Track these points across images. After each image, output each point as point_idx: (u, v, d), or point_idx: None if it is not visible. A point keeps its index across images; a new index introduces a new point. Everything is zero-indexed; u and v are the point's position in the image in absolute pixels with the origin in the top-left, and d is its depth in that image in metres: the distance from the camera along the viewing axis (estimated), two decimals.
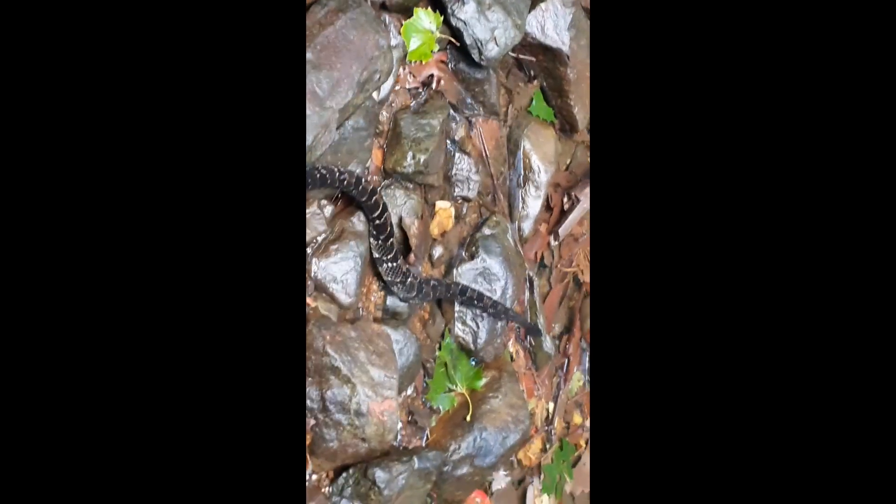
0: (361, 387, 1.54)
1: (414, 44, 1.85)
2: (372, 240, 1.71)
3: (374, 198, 1.65)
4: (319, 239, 1.62)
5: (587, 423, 2.57)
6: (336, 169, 1.57)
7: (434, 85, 1.94)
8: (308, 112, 1.47)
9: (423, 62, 1.89)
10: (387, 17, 1.79)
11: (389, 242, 1.71)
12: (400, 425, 1.78)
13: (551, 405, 2.40)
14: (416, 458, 1.66)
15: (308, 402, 1.52)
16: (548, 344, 2.36)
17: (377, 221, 1.68)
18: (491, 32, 1.94)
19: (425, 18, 1.85)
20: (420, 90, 1.92)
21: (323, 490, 1.61)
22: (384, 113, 1.82)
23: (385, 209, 1.68)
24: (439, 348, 1.96)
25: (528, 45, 2.18)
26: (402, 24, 1.81)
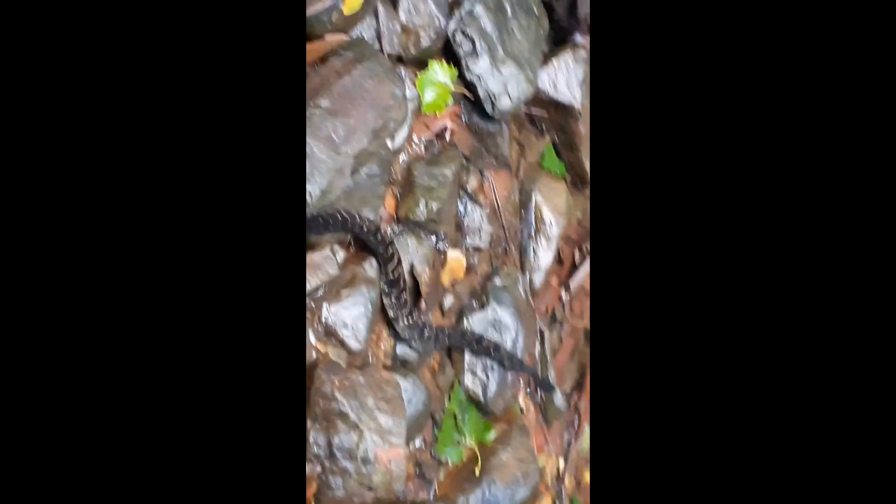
0: (369, 433, 1.52)
1: (429, 96, 1.88)
2: (385, 298, 1.71)
3: (391, 249, 1.66)
4: (327, 284, 1.62)
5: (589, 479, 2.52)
6: (357, 214, 1.58)
7: (448, 136, 1.97)
8: (323, 157, 1.50)
9: (437, 114, 1.92)
10: (402, 70, 1.82)
11: (403, 298, 1.71)
12: (406, 475, 1.75)
13: (562, 462, 2.36)
14: None
15: (315, 448, 1.50)
16: (558, 399, 2.33)
17: (391, 276, 1.68)
18: (504, 86, 1.97)
19: (440, 72, 1.89)
20: (434, 141, 1.95)
21: None
22: (398, 162, 1.84)
23: (399, 262, 1.69)
24: (448, 399, 1.93)
25: (541, 100, 2.22)
26: (416, 77, 1.85)
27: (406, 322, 1.71)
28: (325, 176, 1.49)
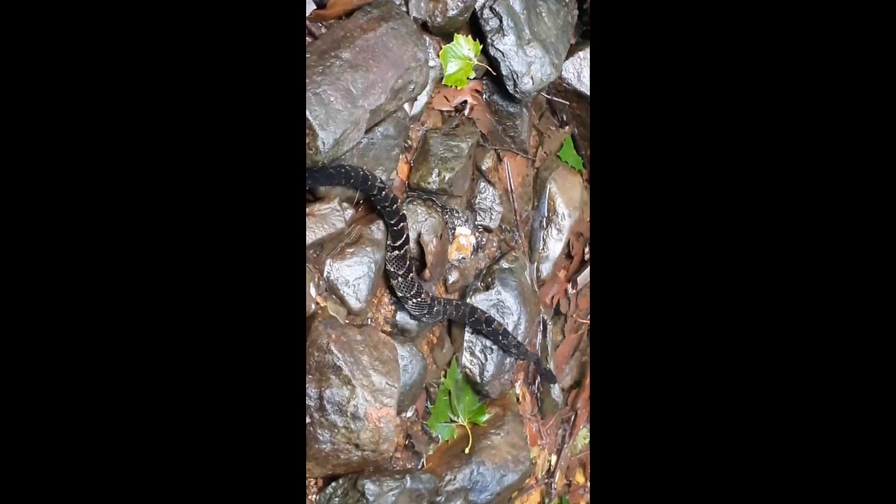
0: (361, 390, 1.50)
1: (451, 68, 1.87)
2: (392, 279, 1.70)
3: (395, 205, 1.65)
4: (331, 239, 1.60)
5: (589, 484, 2.47)
6: (361, 169, 1.57)
7: (467, 111, 1.95)
8: (339, 107, 1.49)
9: (459, 88, 1.91)
10: (427, 38, 1.82)
11: (404, 254, 1.69)
12: (395, 443, 1.72)
13: (554, 458, 2.32)
14: (408, 477, 1.60)
15: (306, 399, 1.48)
16: (556, 392, 2.29)
17: (394, 228, 1.66)
18: (528, 66, 1.96)
19: (465, 45, 1.88)
20: (453, 114, 1.93)
21: (311, 497, 1.54)
22: (415, 130, 1.83)
23: (403, 218, 1.67)
24: (445, 375, 1.91)
25: (563, 90, 2.21)
26: (441, 47, 1.84)
27: (403, 279, 1.68)
28: (339, 126, 1.47)
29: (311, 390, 1.48)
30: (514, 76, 1.96)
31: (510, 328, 1.99)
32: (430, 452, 1.85)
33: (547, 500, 2.29)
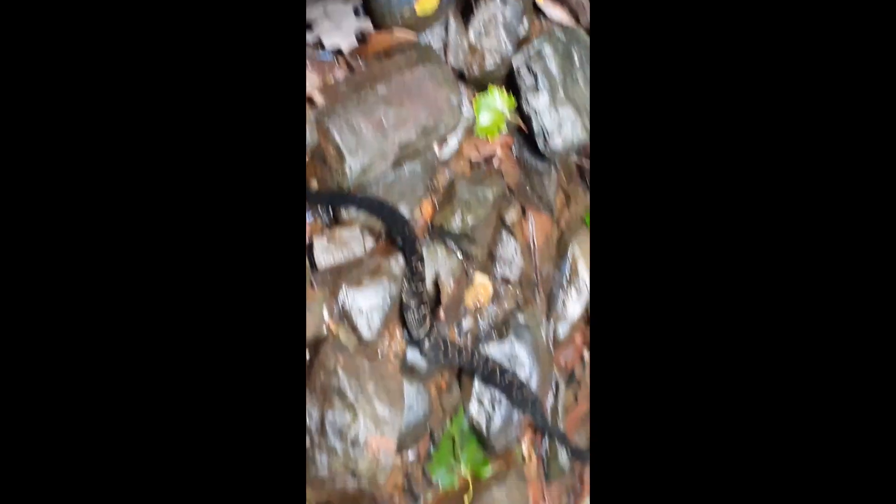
0: (364, 417, 1.49)
1: (484, 119, 1.92)
2: (407, 313, 1.71)
3: (415, 244, 1.67)
4: (353, 265, 1.63)
5: None
6: (402, 212, 1.61)
7: (496, 163, 2.00)
8: (369, 138, 1.53)
9: (490, 139, 1.96)
10: (462, 87, 1.88)
11: (421, 294, 1.70)
12: (395, 482, 1.69)
13: None
14: None
15: (307, 420, 1.47)
16: (564, 458, 2.24)
17: (414, 269, 1.68)
18: (558, 126, 2.01)
19: (499, 98, 1.94)
20: (481, 165, 1.98)
21: None
22: (442, 174, 1.87)
23: (422, 257, 1.69)
24: (451, 422, 1.88)
25: None
26: (475, 97, 1.90)
27: (417, 315, 1.69)
28: (367, 154, 1.52)
29: (314, 412, 1.48)
30: (545, 134, 2.00)
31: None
32: (429, 499, 1.81)
33: None
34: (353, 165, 1.49)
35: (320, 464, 1.47)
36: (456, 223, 1.82)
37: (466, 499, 1.82)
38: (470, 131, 1.92)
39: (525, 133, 2.02)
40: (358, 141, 1.51)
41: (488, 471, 1.92)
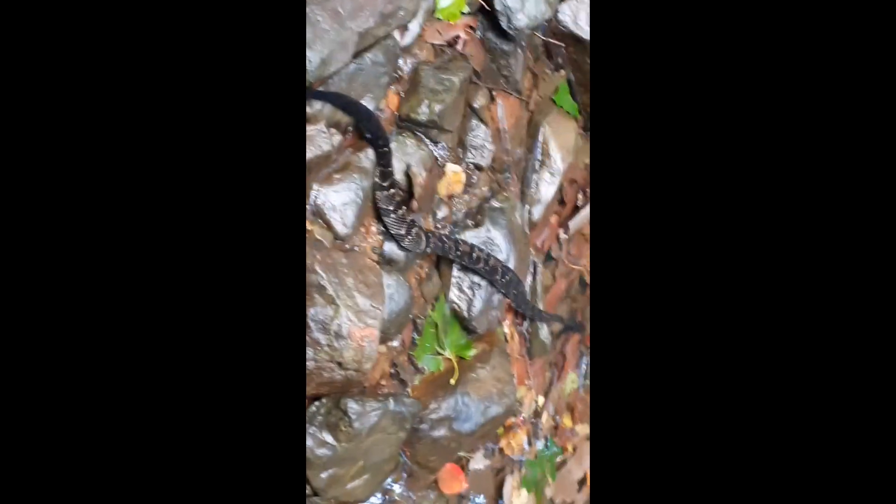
0: (345, 310, 1.52)
1: (444, 1, 1.86)
2: (377, 192, 1.71)
3: (387, 146, 1.66)
4: (321, 162, 1.61)
5: (577, 428, 2.50)
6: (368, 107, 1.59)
7: (460, 46, 1.95)
8: (326, 27, 1.49)
9: (452, 22, 1.91)
10: None
11: (393, 191, 1.70)
12: (382, 369, 1.74)
13: (541, 399, 2.34)
14: (392, 400, 1.63)
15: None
16: (545, 334, 2.31)
17: (381, 161, 1.67)
18: (522, 2, 1.95)
19: None
20: (445, 49, 1.93)
21: None
22: (406, 61, 1.83)
23: (390, 151, 1.69)
24: (432, 308, 1.92)
25: (560, 32, 2.20)
26: None
27: (394, 216, 1.70)
28: (326, 46, 1.48)
29: None
30: (508, 11, 1.95)
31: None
32: (416, 383, 1.87)
33: (533, 440, 2.31)
34: (312, 59, 1.46)
35: (307, 357, 1.50)
36: (423, 111, 1.80)
37: (452, 380, 1.89)
38: (431, 14, 1.87)
39: (488, 11, 1.96)
40: (315, 32, 1.47)
41: (472, 352, 1.98)
